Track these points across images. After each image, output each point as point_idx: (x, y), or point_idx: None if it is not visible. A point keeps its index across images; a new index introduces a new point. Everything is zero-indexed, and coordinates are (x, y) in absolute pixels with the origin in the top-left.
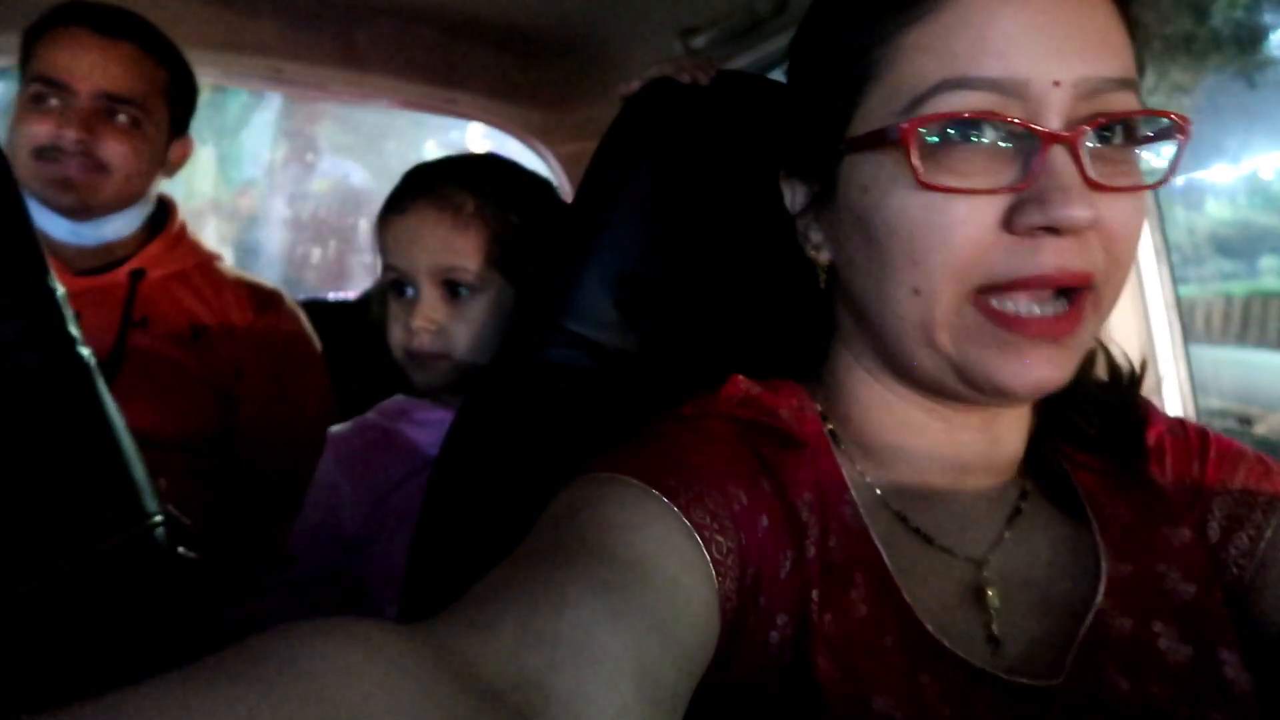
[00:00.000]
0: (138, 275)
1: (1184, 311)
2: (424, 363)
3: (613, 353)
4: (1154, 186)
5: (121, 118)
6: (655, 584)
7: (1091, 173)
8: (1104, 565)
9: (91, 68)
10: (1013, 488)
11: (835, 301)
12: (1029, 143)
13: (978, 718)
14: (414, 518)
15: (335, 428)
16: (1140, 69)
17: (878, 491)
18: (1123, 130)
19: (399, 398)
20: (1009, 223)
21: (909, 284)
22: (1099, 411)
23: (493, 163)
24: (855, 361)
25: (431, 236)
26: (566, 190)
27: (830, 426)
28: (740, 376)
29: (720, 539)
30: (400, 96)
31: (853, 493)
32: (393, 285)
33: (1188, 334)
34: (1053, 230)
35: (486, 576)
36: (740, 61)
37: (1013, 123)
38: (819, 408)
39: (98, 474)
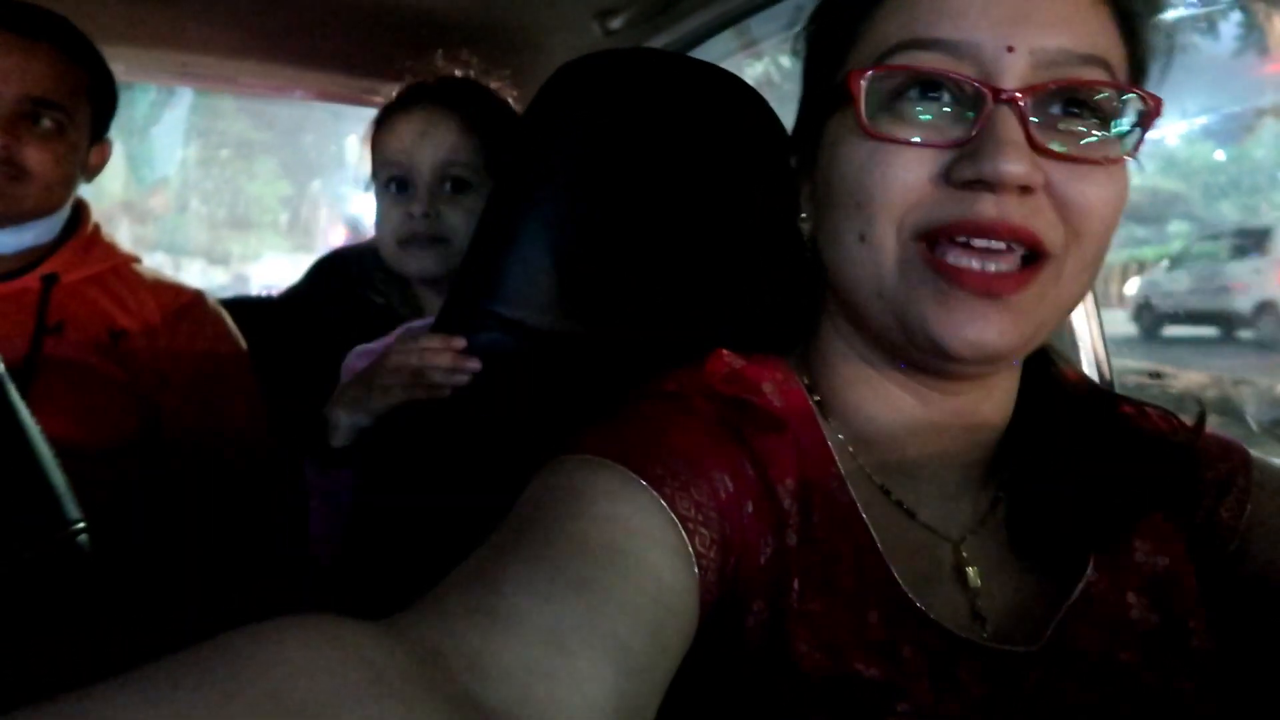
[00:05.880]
0: (50, 280)
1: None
2: (422, 248)
3: (542, 334)
4: (1107, 162)
5: (45, 122)
6: (637, 580)
7: (1038, 135)
8: None
9: (13, 71)
10: (997, 467)
11: (821, 275)
12: (976, 103)
13: (959, 685)
14: None
15: (360, 348)
16: (1140, 67)
17: (861, 465)
18: (1083, 104)
19: (415, 324)
20: (948, 176)
21: (856, 230)
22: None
23: (480, 87)
24: (836, 334)
25: (442, 133)
26: None
27: (817, 398)
28: (724, 350)
29: (704, 531)
30: (315, 88)
31: (839, 466)
32: (389, 183)
33: (1100, 299)
34: (988, 185)
35: (463, 564)
36: (658, 40)
37: (959, 79)
38: (805, 380)
39: (14, 482)
